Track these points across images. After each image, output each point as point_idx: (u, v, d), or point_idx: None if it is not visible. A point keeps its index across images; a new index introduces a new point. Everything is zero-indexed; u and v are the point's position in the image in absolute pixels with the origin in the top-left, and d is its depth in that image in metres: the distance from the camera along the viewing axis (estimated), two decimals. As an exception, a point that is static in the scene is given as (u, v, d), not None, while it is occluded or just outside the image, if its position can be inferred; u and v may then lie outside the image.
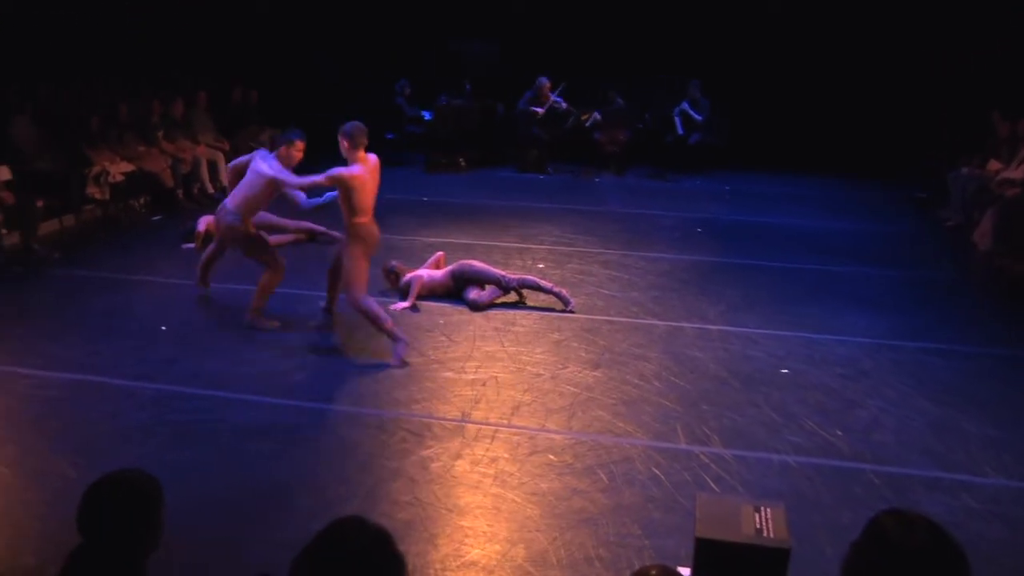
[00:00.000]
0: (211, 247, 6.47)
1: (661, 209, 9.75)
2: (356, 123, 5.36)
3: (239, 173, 6.05)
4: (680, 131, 11.79)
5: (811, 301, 6.55)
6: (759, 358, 5.42)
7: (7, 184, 7.72)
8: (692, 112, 11.77)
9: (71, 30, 9.77)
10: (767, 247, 8.18)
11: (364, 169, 5.32)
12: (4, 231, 7.51)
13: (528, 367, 5.26)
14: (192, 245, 7.54)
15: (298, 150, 5.88)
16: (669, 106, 11.95)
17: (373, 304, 5.38)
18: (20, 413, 4.61)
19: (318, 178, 5.39)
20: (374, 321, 5.32)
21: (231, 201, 5.87)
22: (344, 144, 5.34)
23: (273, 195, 5.94)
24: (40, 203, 7.83)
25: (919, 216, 9.78)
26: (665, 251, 7.96)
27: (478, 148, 12.35)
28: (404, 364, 5.21)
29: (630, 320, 6.10)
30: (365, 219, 5.36)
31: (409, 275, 6.48)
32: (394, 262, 6.64)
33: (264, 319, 5.85)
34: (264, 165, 5.76)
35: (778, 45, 12.07)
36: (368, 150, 5.47)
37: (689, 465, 4.14)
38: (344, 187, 5.25)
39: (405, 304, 6.26)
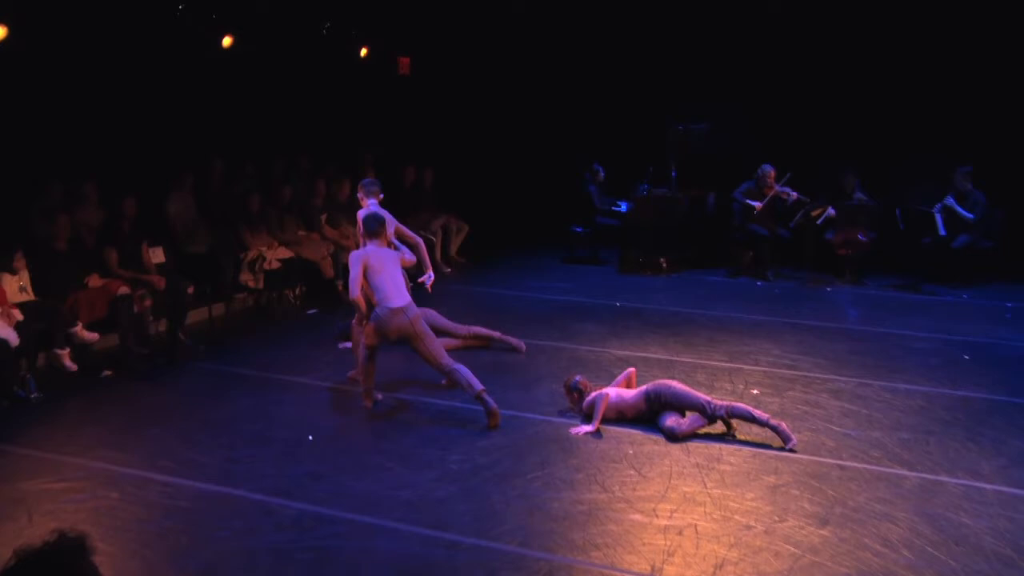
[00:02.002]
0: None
1: (913, 328, 9.27)
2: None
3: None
4: (942, 231, 11.26)
5: None
6: (1062, 535, 4.91)
7: (159, 267, 8.55)
8: (959, 208, 11.23)
9: (239, 104, 10.88)
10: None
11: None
12: (151, 318, 8.26)
13: (736, 516, 5.05)
14: (349, 344, 7.96)
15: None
16: (928, 200, 11.49)
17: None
18: (147, 524, 4.94)
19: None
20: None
21: (407, 294, 6.58)
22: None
23: None
24: (190, 289, 8.60)
25: None
26: (918, 382, 7.52)
27: (683, 247, 12.38)
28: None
29: (869, 467, 5.76)
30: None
31: (594, 393, 6.49)
32: (578, 377, 6.69)
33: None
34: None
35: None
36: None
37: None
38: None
39: (589, 428, 6.25)
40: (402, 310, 6.44)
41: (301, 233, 10.26)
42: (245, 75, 10.90)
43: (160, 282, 8.25)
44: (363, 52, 12.53)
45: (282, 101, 11.49)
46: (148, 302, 8.01)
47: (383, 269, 6.52)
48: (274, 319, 9.56)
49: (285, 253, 9.85)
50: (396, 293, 6.49)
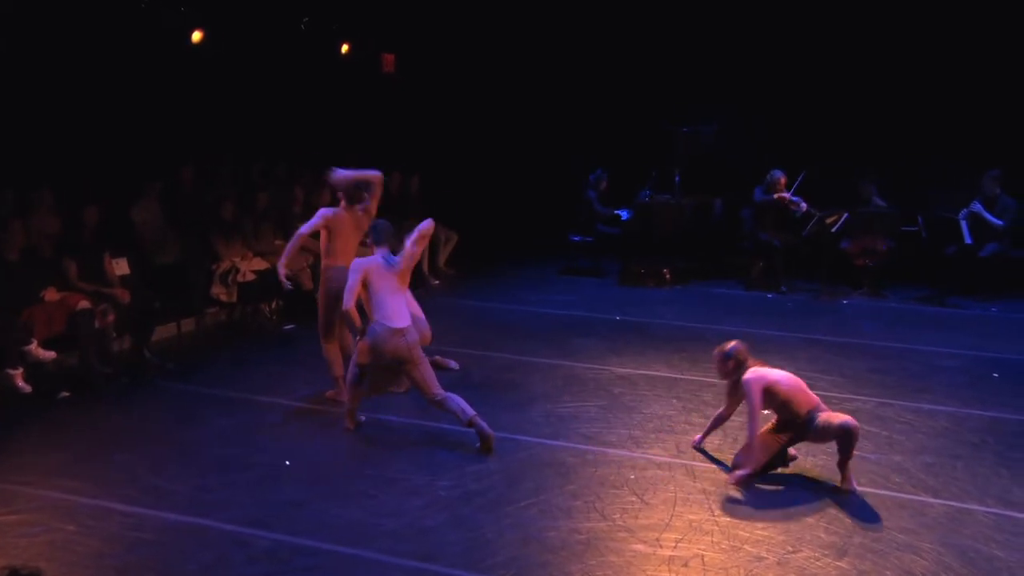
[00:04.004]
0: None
1: (937, 344, 9.28)
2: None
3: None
4: (968, 240, 11.28)
5: None
6: (1099, 567, 4.90)
7: (123, 280, 8.51)
8: (987, 215, 11.26)
9: (210, 105, 10.89)
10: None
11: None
12: (114, 335, 8.22)
13: (746, 546, 5.04)
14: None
15: None
16: (953, 206, 11.52)
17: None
18: (107, 558, 4.88)
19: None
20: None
21: (408, 316, 6.59)
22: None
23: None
24: (157, 303, 8.57)
25: None
26: (944, 402, 7.52)
27: (688, 257, 12.40)
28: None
29: (891, 494, 5.75)
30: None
31: (755, 374, 5.98)
32: (735, 344, 6.10)
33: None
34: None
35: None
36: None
37: None
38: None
39: (746, 472, 5.89)
40: (402, 332, 6.41)
41: (278, 243, 10.23)
42: (217, 73, 10.91)
43: (124, 295, 8.21)
44: (344, 49, 12.56)
45: (257, 102, 11.50)
46: (111, 317, 7.97)
47: (387, 283, 6.48)
48: (249, 335, 9.54)
49: (261, 264, 9.83)
50: (398, 312, 6.45)
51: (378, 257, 6.56)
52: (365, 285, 6.49)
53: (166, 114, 10.33)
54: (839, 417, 5.84)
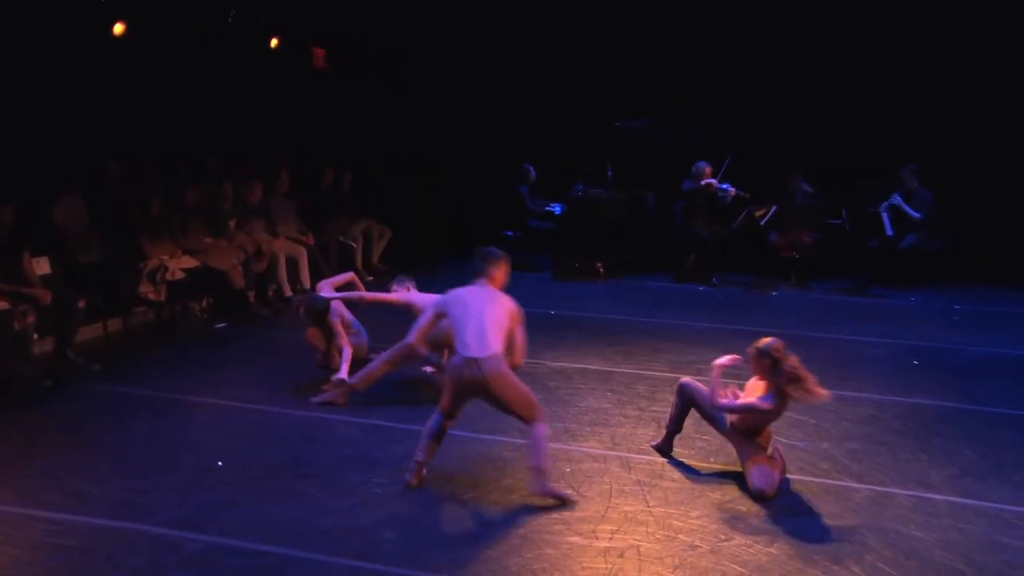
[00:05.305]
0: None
1: (861, 333, 9.49)
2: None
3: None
4: (889, 231, 11.57)
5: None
6: (1013, 547, 5.05)
7: (44, 279, 8.28)
8: (906, 207, 11.55)
9: (137, 100, 10.67)
10: (1020, 390, 7.82)
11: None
12: (35, 336, 8.00)
13: (680, 535, 5.10)
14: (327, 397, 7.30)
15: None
16: (875, 198, 11.80)
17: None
18: (29, 567, 4.70)
19: None
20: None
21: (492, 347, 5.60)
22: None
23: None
24: (82, 303, 8.32)
25: None
26: (868, 389, 7.69)
27: (621, 251, 12.49)
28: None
29: (819, 480, 5.87)
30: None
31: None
32: (771, 342, 5.81)
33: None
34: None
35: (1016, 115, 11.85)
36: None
37: None
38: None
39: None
40: (476, 362, 5.54)
41: (208, 240, 10.09)
42: (142, 67, 10.67)
43: (45, 296, 7.95)
44: (273, 43, 12.40)
45: (184, 96, 11.29)
46: (31, 318, 7.74)
47: (470, 309, 5.73)
48: (178, 334, 9.38)
49: (190, 262, 9.68)
50: (476, 340, 5.58)
51: (463, 289, 6.03)
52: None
53: (88, 109, 10.06)
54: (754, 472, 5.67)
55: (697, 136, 12.72)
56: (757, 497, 5.57)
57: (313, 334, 7.95)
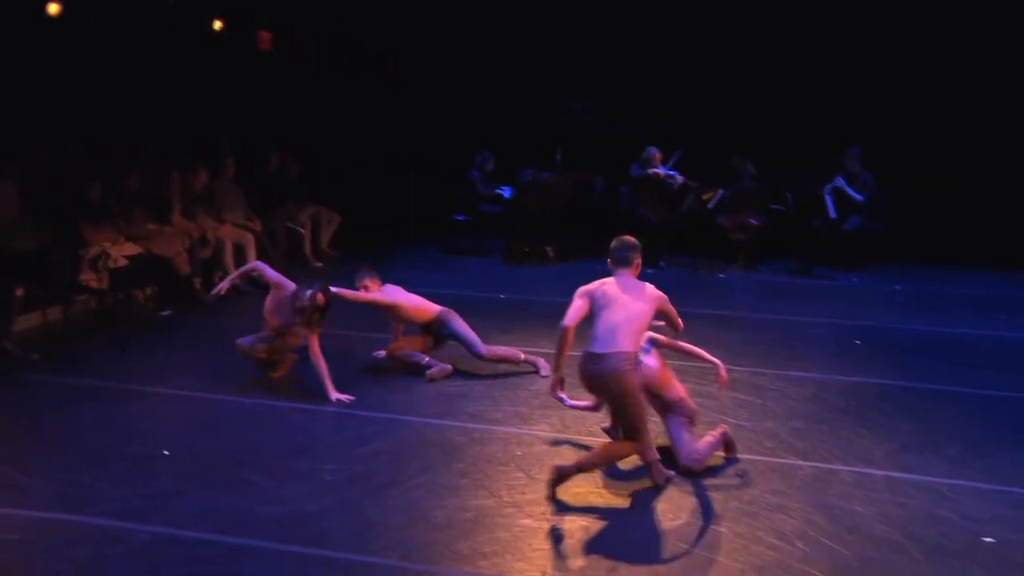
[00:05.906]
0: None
1: (806, 314, 9.61)
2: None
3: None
4: (833, 214, 11.73)
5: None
6: (949, 520, 5.17)
7: (-25, 268, 8.11)
8: (849, 189, 11.72)
9: (73, 82, 10.44)
10: (956, 367, 7.97)
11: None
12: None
13: (629, 516, 5.15)
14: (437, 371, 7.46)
15: None
16: (818, 181, 11.95)
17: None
18: (-33, 562, 4.63)
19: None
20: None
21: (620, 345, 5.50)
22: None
23: None
24: (19, 291, 8.12)
25: None
26: (812, 369, 7.80)
27: (571, 234, 12.52)
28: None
29: (763, 458, 5.94)
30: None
31: None
32: None
33: None
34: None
35: (962, 99, 12.04)
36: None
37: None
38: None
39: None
40: (599, 357, 5.49)
41: (151, 227, 9.93)
42: (78, 47, 10.42)
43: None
44: (217, 25, 12.22)
45: (125, 78, 11.07)
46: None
47: (608, 305, 5.66)
48: (121, 322, 9.23)
49: (133, 249, 9.53)
50: (604, 335, 5.54)
51: (609, 280, 5.91)
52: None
53: (21, 91, 9.80)
54: None
55: (648, 122, 12.79)
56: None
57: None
